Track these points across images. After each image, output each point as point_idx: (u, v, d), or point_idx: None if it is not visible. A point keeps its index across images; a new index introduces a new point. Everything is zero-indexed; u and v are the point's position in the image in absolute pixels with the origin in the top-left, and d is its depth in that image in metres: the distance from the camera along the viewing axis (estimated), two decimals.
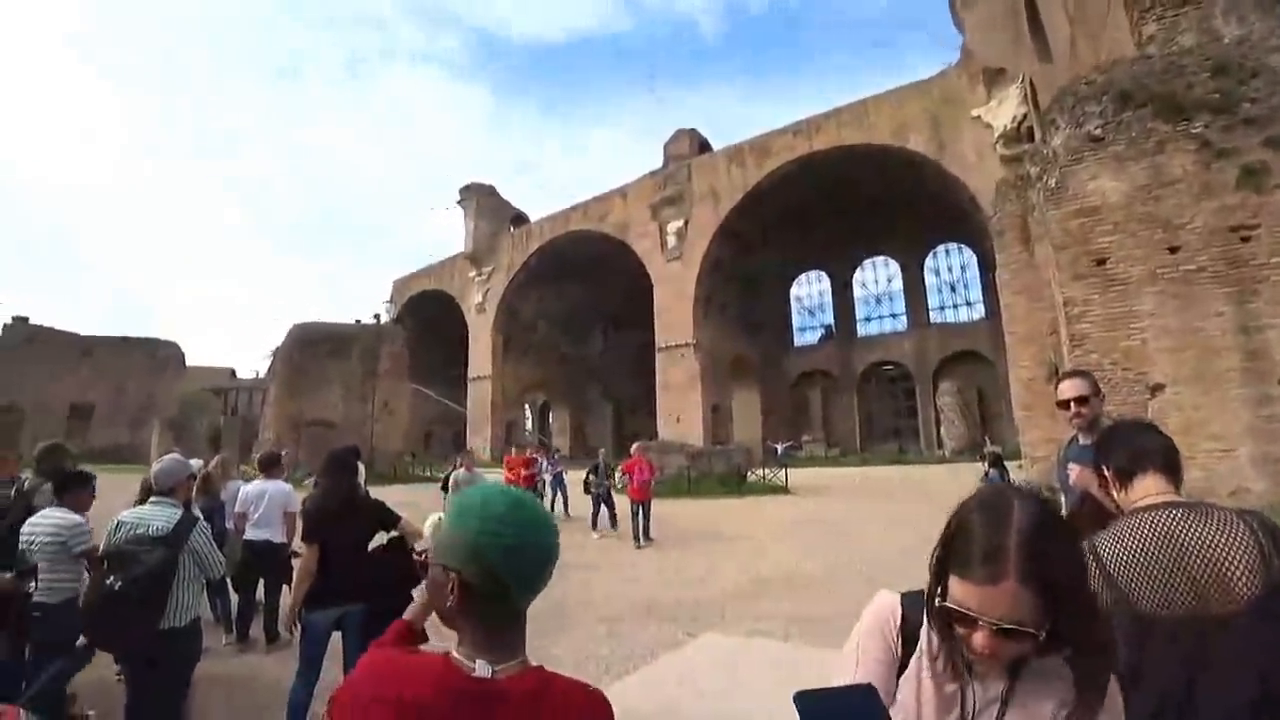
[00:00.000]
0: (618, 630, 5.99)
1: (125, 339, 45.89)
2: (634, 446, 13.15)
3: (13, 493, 4.84)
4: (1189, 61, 7.60)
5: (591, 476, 12.97)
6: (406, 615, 1.40)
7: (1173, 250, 7.43)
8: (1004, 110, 23.11)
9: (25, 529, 3.83)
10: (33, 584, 3.81)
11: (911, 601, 1.11)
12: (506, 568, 1.02)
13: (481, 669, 1.00)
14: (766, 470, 21.30)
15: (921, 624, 1.06)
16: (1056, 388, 3.06)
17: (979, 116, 24.43)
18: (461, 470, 9.72)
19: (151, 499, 3.57)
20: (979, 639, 0.90)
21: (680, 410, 33.32)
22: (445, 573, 1.04)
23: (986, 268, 30.19)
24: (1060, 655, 0.96)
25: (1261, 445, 6.92)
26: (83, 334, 44.33)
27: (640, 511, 11.05)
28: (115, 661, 3.28)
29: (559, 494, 14.92)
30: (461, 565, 1.02)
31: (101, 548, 3.47)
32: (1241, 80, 7.24)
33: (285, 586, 5.47)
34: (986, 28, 23.76)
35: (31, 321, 42.71)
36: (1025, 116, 21.67)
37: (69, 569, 3.84)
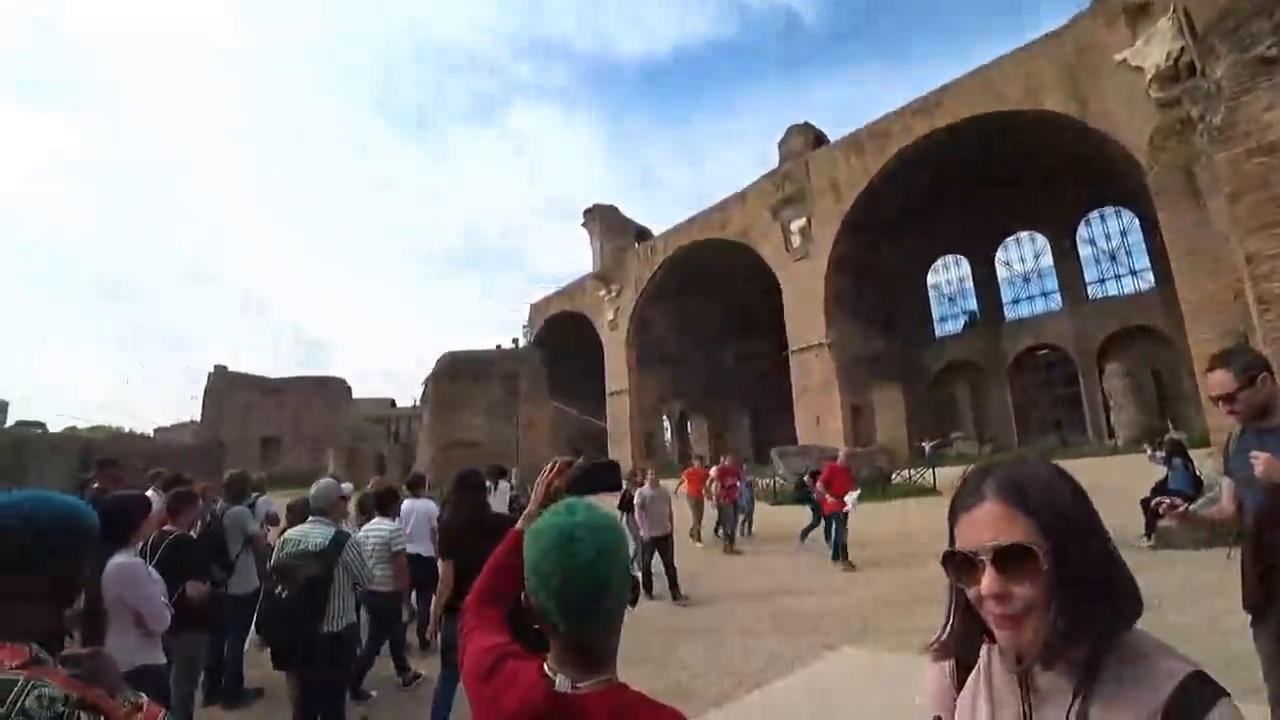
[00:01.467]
0: (750, 642, 5.89)
1: (302, 378, 52.15)
2: (841, 454, 11.30)
3: (208, 514, 5.63)
4: None
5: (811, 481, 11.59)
6: (520, 525, 1.48)
7: None
8: (1155, 47, 20.39)
9: (361, 535, 5.03)
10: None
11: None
12: (551, 600, 1.04)
13: (561, 684, 1.04)
14: (913, 471, 20.12)
15: (979, 644, 0.97)
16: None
17: (1125, 60, 21.73)
18: (646, 487, 8.61)
19: (310, 518, 4.00)
20: (984, 583, 0.84)
21: (819, 413, 32.26)
22: (527, 598, 1.09)
23: (1151, 231, 26.81)
24: (1131, 658, 0.84)
25: None
26: (269, 376, 50.94)
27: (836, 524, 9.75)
28: (274, 664, 3.68)
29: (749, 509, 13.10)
30: (534, 591, 1.07)
31: (272, 562, 3.94)
32: None
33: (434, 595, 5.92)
34: None
35: (230, 369, 49.45)
36: (1182, 50, 19.05)
37: (389, 565, 5.09)
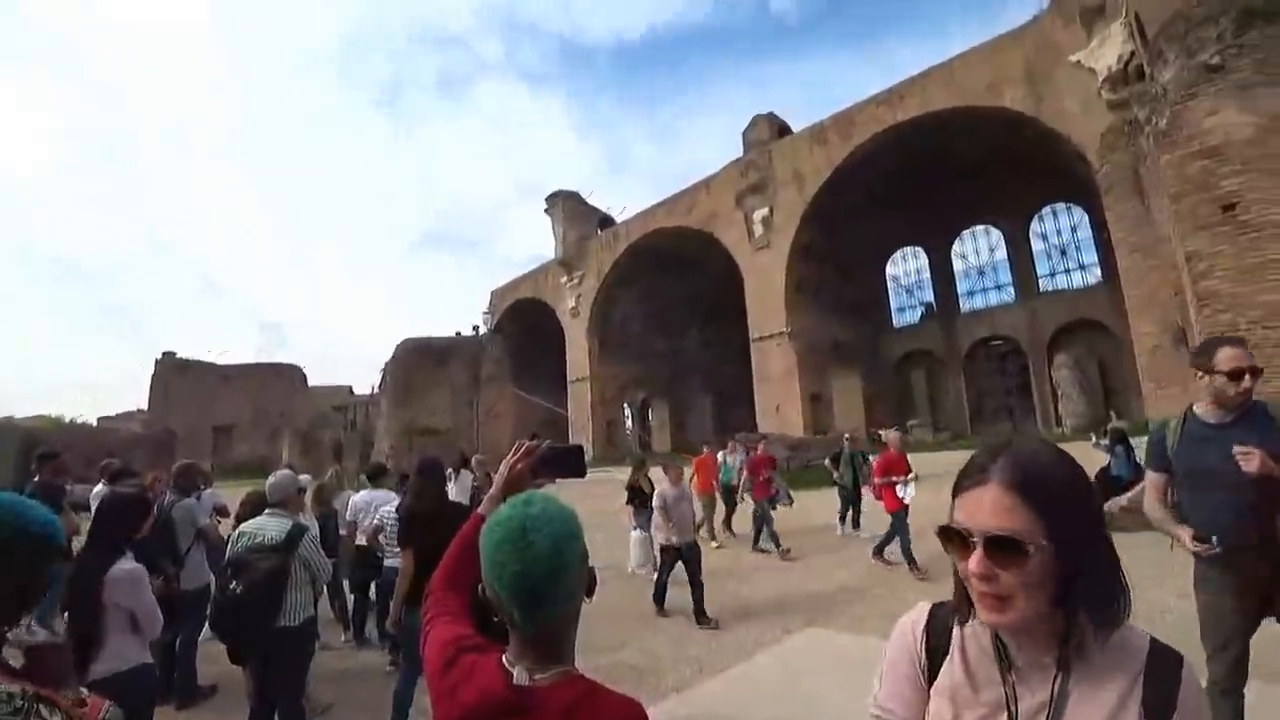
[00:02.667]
0: (714, 629, 5.99)
1: (257, 365, 50.94)
2: (893, 437, 9.18)
3: (155, 509, 5.45)
4: None
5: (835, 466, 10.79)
6: (482, 509, 1.47)
7: None
8: (1107, 50, 21.03)
9: (385, 509, 5.44)
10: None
11: (942, 609, 1.03)
12: (506, 592, 1.04)
13: (520, 676, 1.05)
14: (872, 457, 20.57)
15: (950, 629, 0.98)
16: (1210, 356, 2.61)
17: (1079, 61, 22.38)
18: (668, 485, 7.03)
19: (266, 510, 3.92)
20: (971, 561, 0.85)
21: (779, 401, 32.72)
22: (483, 587, 1.09)
23: (1099, 227, 27.76)
24: (1107, 641, 0.87)
25: None
26: (221, 363, 49.46)
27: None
28: (230, 659, 3.60)
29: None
30: (489, 582, 1.06)
31: (227, 556, 3.84)
32: None
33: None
34: None
35: (180, 355, 47.86)
36: (1133, 55, 19.68)
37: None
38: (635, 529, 8.51)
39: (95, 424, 51.97)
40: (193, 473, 5.61)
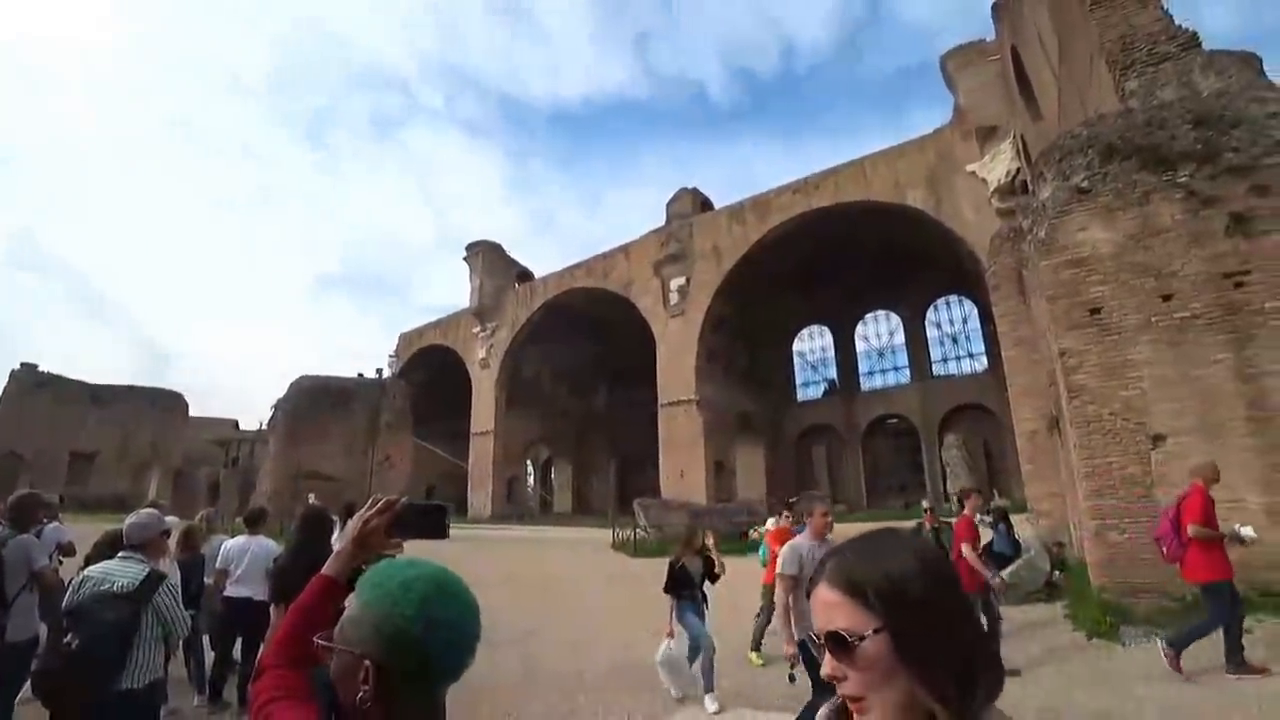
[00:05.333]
0: (603, 699, 5.69)
1: (132, 388, 46.26)
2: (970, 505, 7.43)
3: None
4: (1170, 114, 7.75)
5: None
6: (327, 570, 1.35)
7: (1166, 298, 7.41)
8: (997, 165, 23.61)
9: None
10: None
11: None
12: (437, 647, 0.97)
13: None
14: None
15: None
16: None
17: (974, 172, 24.96)
18: (803, 538, 4.42)
19: (121, 554, 3.49)
20: (823, 667, 0.84)
21: (684, 466, 32.99)
22: (358, 660, 0.97)
23: (987, 319, 30.30)
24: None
25: (1273, 495, 6.74)
26: (90, 381, 44.47)
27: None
28: None
29: None
30: (378, 650, 0.96)
31: (64, 604, 3.38)
32: (1223, 130, 7.36)
33: (263, 645, 5.31)
34: (978, 88, 24.55)
35: (41, 368, 42.91)
36: (1019, 171, 22.11)
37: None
38: (667, 640, 5.62)
39: None
40: (32, 504, 4.95)
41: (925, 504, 10.71)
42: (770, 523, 9.19)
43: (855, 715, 0.83)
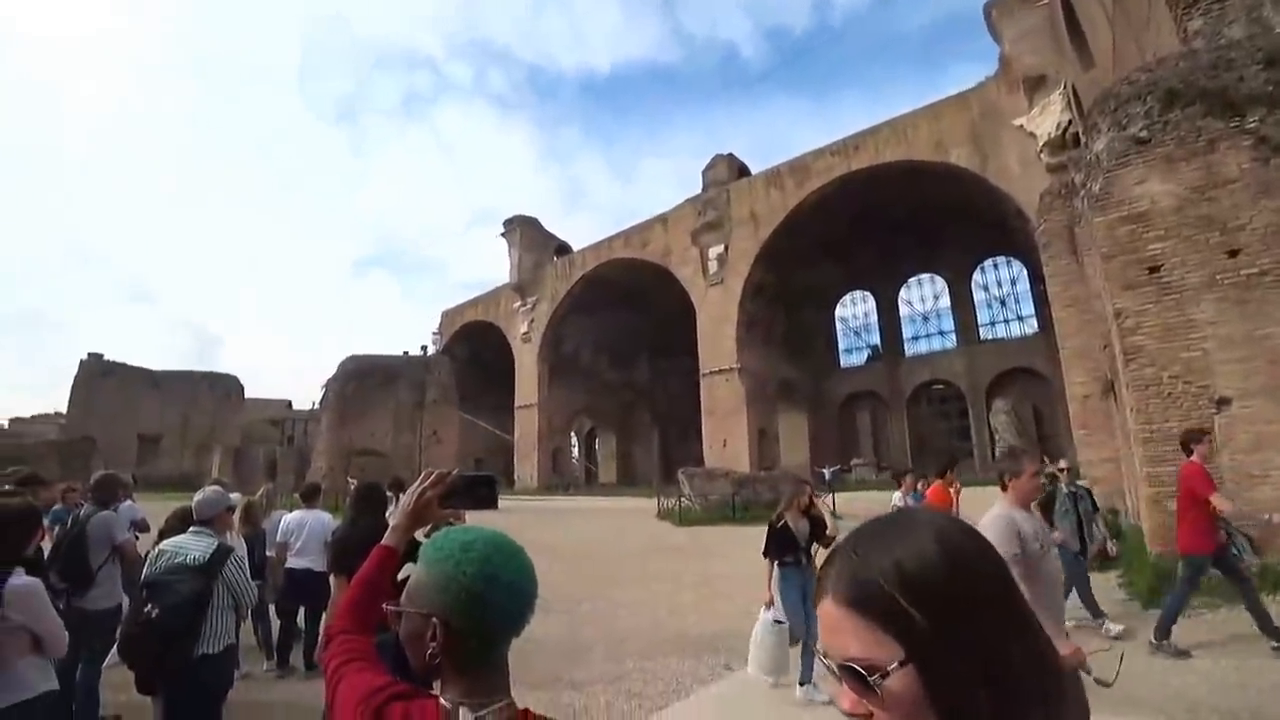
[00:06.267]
0: (648, 665, 5.83)
1: (190, 373, 48.39)
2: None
3: (69, 521, 5.10)
4: (1238, 54, 7.25)
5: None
6: (386, 541, 1.41)
7: (1232, 254, 7.02)
8: (1047, 118, 22.51)
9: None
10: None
11: None
12: (494, 611, 1.01)
13: (465, 717, 0.99)
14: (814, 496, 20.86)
15: None
16: None
17: (1021, 126, 23.87)
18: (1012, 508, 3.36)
19: (191, 529, 3.69)
20: (841, 701, 0.65)
21: (726, 435, 33.01)
22: (425, 619, 1.02)
23: (1037, 280, 29.24)
24: None
25: None
26: (152, 368, 46.69)
27: None
28: (138, 689, 3.32)
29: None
30: (444, 610, 1.01)
31: (143, 576, 3.59)
32: None
33: (325, 614, 5.56)
34: (1024, 36, 23.33)
35: (105, 357, 45.09)
36: (1070, 123, 21.07)
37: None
38: (765, 610, 4.98)
39: (6, 426, 48.64)
40: (112, 483, 5.26)
41: (1062, 464, 8.30)
42: (897, 497, 7.90)
43: None
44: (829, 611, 0.65)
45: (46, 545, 4.79)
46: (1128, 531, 9.60)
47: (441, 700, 1.02)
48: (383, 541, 1.42)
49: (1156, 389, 7.30)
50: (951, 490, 7.50)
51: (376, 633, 1.28)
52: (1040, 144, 22.91)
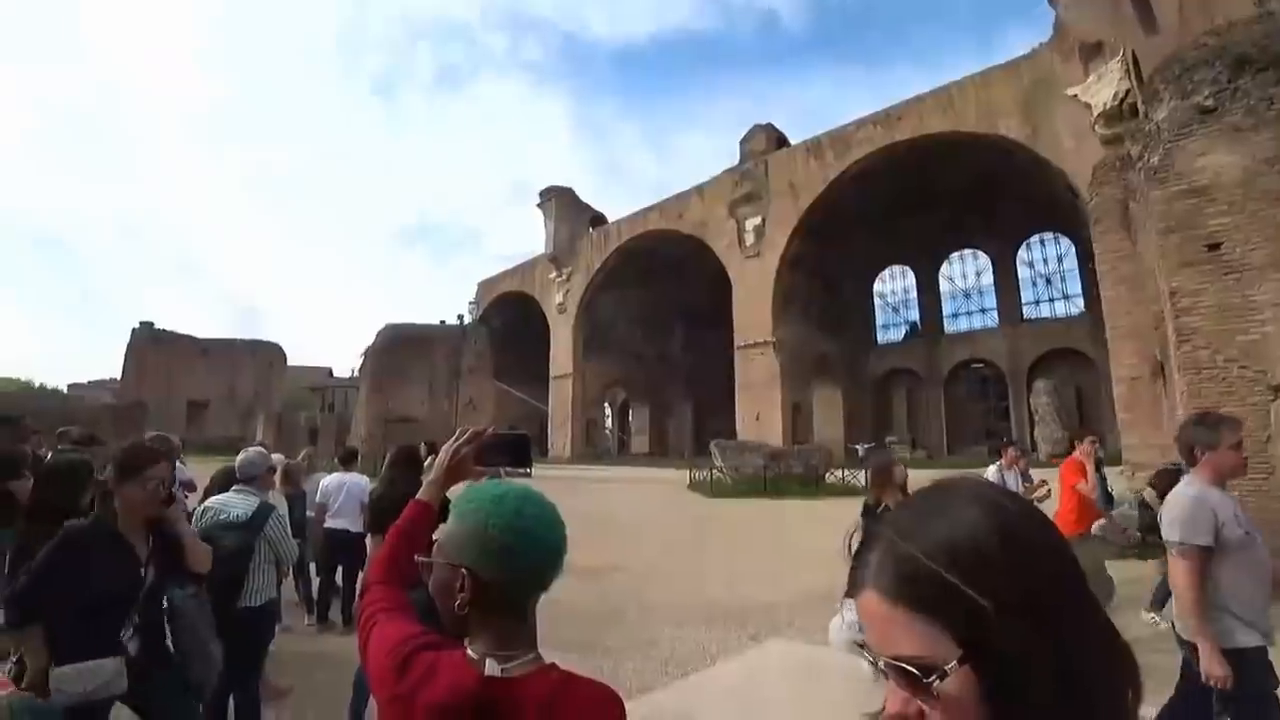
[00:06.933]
0: (677, 634, 5.89)
1: (234, 341, 49.98)
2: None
3: None
4: None
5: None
6: (422, 495, 1.45)
7: None
8: (1103, 87, 21.41)
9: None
10: None
11: None
12: (524, 561, 1.03)
13: (491, 668, 1.00)
14: (846, 472, 20.77)
15: None
16: None
17: (1075, 95, 22.74)
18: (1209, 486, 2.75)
19: (235, 487, 3.82)
20: (887, 702, 0.58)
21: (760, 409, 32.86)
22: (455, 570, 1.03)
23: (1085, 258, 28.16)
24: None
25: None
26: (199, 336, 48.39)
27: None
28: None
29: None
30: (474, 561, 1.02)
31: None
32: None
33: (362, 572, 5.74)
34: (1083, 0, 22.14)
35: (155, 325, 46.79)
36: (1128, 92, 20.04)
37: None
38: (842, 607, 3.96)
39: (65, 391, 50.94)
40: (164, 445, 5.47)
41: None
42: (992, 471, 6.48)
43: None
44: (871, 604, 0.58)
45: (192, 501, 4.91)
46: None
47: (469, 651, 1.03)
48: (418, 496, 1.45)
49: (1210, 372, 6.99)
50: (1089, 464, 6.23)
51: (410, 586, 1.30)
52: (1095, 114, 21.81)
